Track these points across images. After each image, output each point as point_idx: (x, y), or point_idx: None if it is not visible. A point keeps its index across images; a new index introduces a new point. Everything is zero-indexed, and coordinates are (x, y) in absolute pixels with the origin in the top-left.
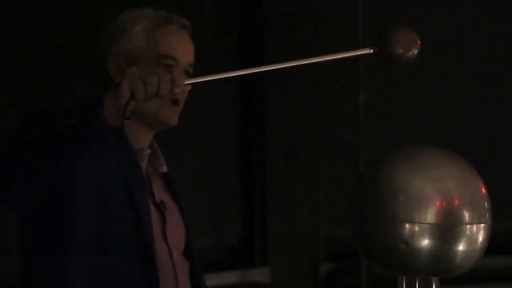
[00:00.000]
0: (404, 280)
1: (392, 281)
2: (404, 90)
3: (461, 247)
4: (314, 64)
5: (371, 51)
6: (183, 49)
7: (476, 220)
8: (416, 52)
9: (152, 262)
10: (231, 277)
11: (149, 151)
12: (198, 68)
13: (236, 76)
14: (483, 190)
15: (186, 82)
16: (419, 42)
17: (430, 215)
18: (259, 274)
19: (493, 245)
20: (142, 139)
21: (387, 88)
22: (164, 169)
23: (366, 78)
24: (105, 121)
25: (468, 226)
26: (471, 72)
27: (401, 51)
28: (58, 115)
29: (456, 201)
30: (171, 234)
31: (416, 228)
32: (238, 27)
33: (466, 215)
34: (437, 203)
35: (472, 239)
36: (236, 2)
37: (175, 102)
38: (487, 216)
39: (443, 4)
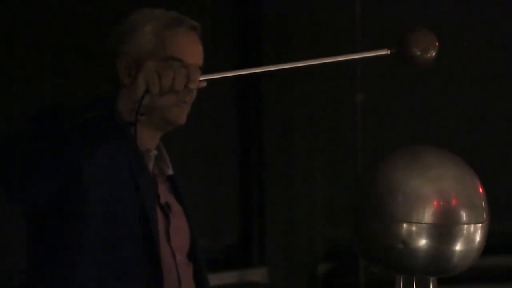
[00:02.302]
0: (401, 280)
1: (390, 281)
2: (403, 90)
3: (458, 247)
4: (325, 64)
5: (388, 52)
6: (191, 51)
7: (473, 220)
8: (434, 54)
9: (157, 263)
10: (229, 277)
11: (155, 152)
12: None
13: (252, 73)
14: (481, 190)
15: (201, 78)
16: (437, 43)
17: (428, 215)
18: (258, 274)
19: (490, 245)
20: (149, 140)
21: (386, 88)
22: (170, 171)
23: (364, 78)
24: (120, 116)
25: (466, 226)
26: (471, 72)
27: (419, 52)
28: (72, 111)
29: (454, 201)
30: (175, 236)
31: (414, 228)
32: (237, 27)
33: (464, 215)
34: (435, 203)
35: (469, 239)
36: (236, 2)
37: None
38: (485, 216)
39: (442, 4)
